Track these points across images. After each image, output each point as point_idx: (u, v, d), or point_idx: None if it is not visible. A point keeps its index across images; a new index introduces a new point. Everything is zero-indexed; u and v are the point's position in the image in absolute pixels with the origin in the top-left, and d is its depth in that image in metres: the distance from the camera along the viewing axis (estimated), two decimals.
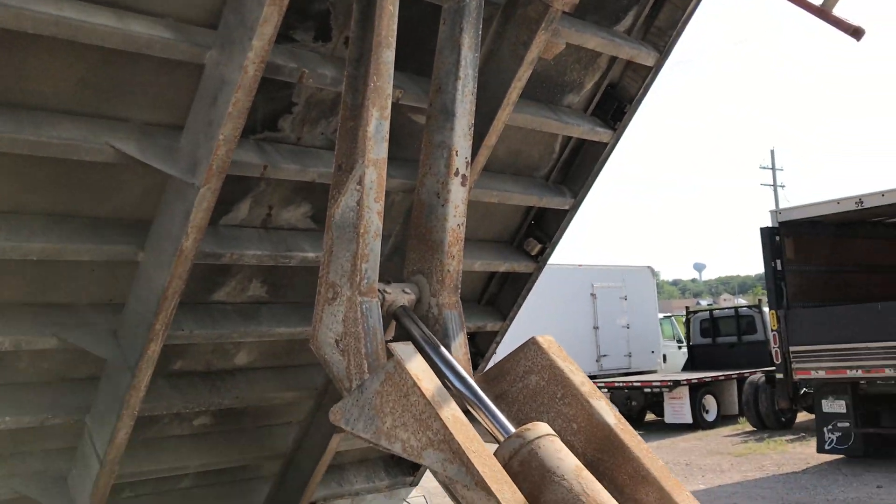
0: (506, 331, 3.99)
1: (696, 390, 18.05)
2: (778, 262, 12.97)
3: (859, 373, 11.85)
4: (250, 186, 2.88)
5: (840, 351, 11.99)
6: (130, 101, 2.46)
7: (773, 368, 13.30)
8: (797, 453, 13.73)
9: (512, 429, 2.16)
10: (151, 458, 3.33)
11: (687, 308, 23.94)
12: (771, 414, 16.81)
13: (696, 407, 18.07)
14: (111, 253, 2.66)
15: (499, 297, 3.91)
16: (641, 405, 18.82)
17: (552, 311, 18.03)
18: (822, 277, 13.33)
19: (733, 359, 19.53)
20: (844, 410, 11.98)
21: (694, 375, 18.13)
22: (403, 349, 2.16)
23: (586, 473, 2.04)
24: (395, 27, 2.42)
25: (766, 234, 13.22)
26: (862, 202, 12.24)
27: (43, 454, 3.07)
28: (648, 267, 21.89)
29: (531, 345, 2.41)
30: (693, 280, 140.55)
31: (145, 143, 2.44)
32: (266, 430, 3.69)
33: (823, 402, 12.13)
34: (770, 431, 16.49)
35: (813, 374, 12.26)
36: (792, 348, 12.53)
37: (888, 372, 11.56)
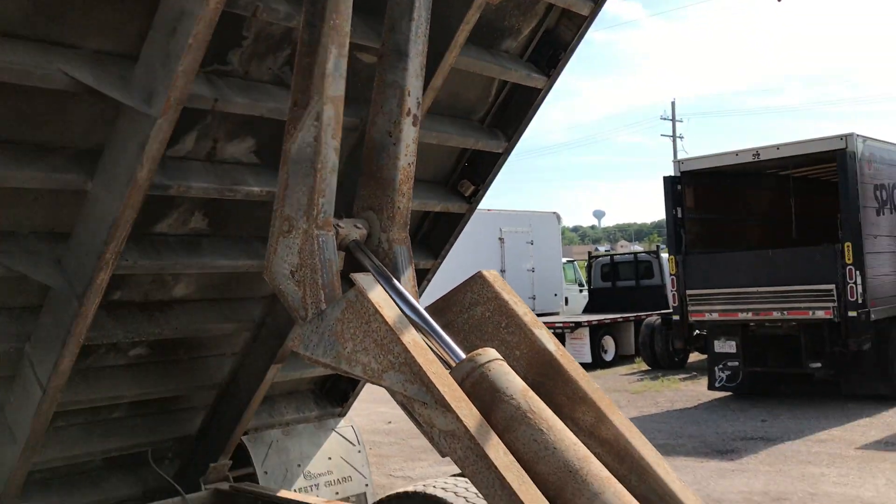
0: (437, 269, 4.13)
1: (596, 331, 18.82)
2: (678, 209, 13.55)
3: (749, 315, 12.61)
4: (197, 119, 2.89)
5: (732, 295, 12.71)
6: (83, 29, 2.43)
7: (670, 311, 13.98)
8: (689, 391, 14.56)
9: (462, 354, 2.31)
10: (88, 387, 3.34)
11: (589, 253, 24.74)
12: (665, 354, 17.70)
13: (596, 347, 18.86)
14: (59, 182, 2.65)
15: (431, 236, 4.04)
16: None
17: (462, 254, 18.30)
18: (718, 225, 14.01)
19: (631, 302, 20.37)
20: (734, 350, 12.74)
21: (594, 317, 18.85)
22: (364, 279, 2.27)
23: (531, 394, 2.22)
24: None
25: (669, 182, 13.76)
26: (758, 154, 12.86)
27: None
28: (554, 213, 22.40)
29: (477, 278, 2.56)
30: (592, 227, 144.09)
31: (99, 71, 2.42)
32: (201, 362, 3.74)
33: (715, 342, 12.87)
34: (664, 371, 17.38)
35: (707, 317, 12.97)
36: (688, 292, 13.20)
37: (776, 315, 12.36)
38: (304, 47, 2.50)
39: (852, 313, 11.75)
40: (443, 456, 2.08)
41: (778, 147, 12.81)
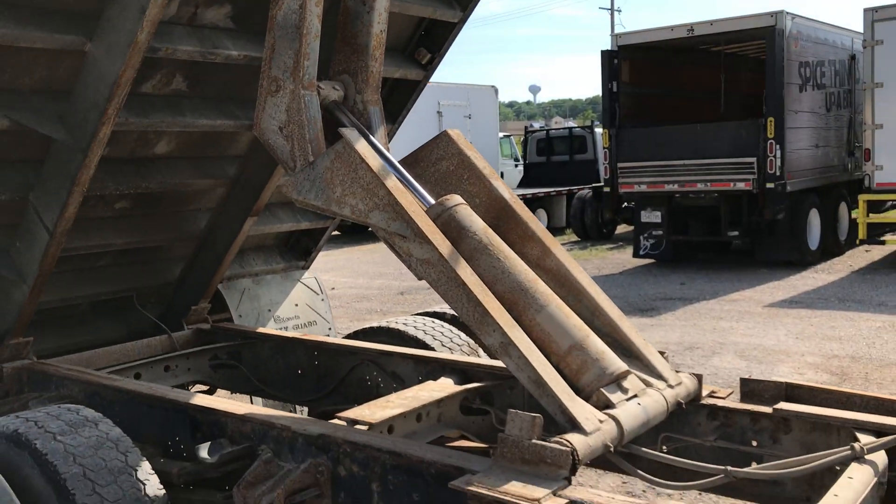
0: (393, 135, 4.47)
1: (530, 204, 19.42)
2: (614, 84, 13.94)
3: (675, 187, 13.31)
4: None
5: (660, 167, 13.35)
6: None
7: (601, 184, 14.60)
8: (616, 259, 15.42)
9: (432, 200, 2.72)
10: (80, 236, 3.65)
11: (526, 127, 25.08)
12: (594, 225, 18.52)
13: None
14: (59, 42, 2.88)
15: (390, 101, 4.35)
16: None
17: (402, 127, 18.53)
18: (652, 99, 14.48)
19: (564, 176, 20.99)
20: (659, 220, 13.49)
21: (528, 191, 19.45)
22: (351, 133, 2.63)
23: (490, 231, 2.66)
24: None
25: (606, 56, 14.07)
26: (692, 30, 13.23)
27: None
28: (492, 87, 22.52)
29: (443, 136, 2.94)
30: (528, 102, 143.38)
31: None
32: (181, 215, 4.07)
33: (642, 212, 13.59)
34: (593, 241, 18.24)
35: (635, 188, 13.62)
36: (619, 164, 13.79)
37: (700, 186, 13.07)
38: None
39: (770, 185, 12.53)
40: (419, 279, 2.52)
41: (711, 23, 13.19)
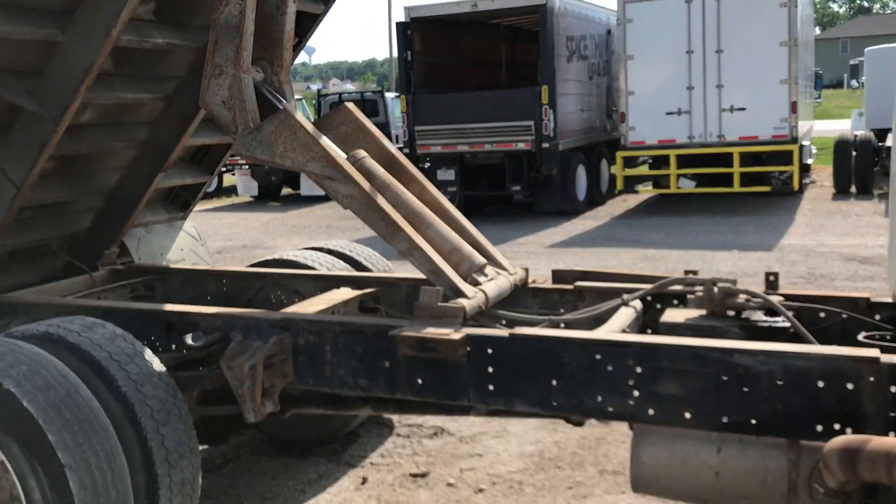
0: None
1: None
2: (408, 53, 15.25)
3: (466, 147, 14.93)
4: None
5: (453, 130, 14.90)
6: None
7: (401, 146, 15.92)
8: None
9: (343, 154, 3.82)
10: None
11: (318, 91, 25.83)
12: None
13: None
14: (36, 35, 3.64)
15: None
16: (280, 180, 20.71)
17: None
18: (442, 68, 15.97)
19: None
20: (453, 178, 15.07)
21: None
22: (289, 107, 3.67)
23: (388, 174, 3.81)
24: None
25: (400, 28, 15.35)
26: (476, 5, 14.79)
27: None
28: None
29: (343, 107, 4.03)
30: (303, 64, 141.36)
31: None
32: (96, 173, 4.82)
33: (438, 171, 15.09)
34: None
35: (432, 149, 15.10)
36: (416, 128, 15.19)
37: (487, 147, 14.77)
38: None
39: (545, 145, 14.45)
40: (344, 209, 3.63)
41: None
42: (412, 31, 15.22)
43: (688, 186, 15.62)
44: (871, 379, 2.68)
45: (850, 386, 2.71)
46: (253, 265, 5.03)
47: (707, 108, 14.39)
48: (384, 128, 21.90)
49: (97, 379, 3.24)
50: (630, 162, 15.55)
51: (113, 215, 5.04)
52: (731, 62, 14.05)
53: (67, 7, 3.69)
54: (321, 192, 20.28)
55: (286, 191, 21.65)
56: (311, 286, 4.58)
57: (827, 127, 25.17)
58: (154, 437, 3.24)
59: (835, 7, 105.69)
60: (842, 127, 21.49)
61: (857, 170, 15.66)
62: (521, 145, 14.53)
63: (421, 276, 3.66)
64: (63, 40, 3.73)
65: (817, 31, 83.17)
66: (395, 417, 5.24)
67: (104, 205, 5.02)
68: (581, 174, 15.59)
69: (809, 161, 17.39)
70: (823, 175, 18.01)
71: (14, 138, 3.95)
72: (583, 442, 4.82)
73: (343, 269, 4.97)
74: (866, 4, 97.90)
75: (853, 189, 15.89)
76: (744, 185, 14.38)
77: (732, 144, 14.25)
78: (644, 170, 16.40)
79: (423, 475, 4.51)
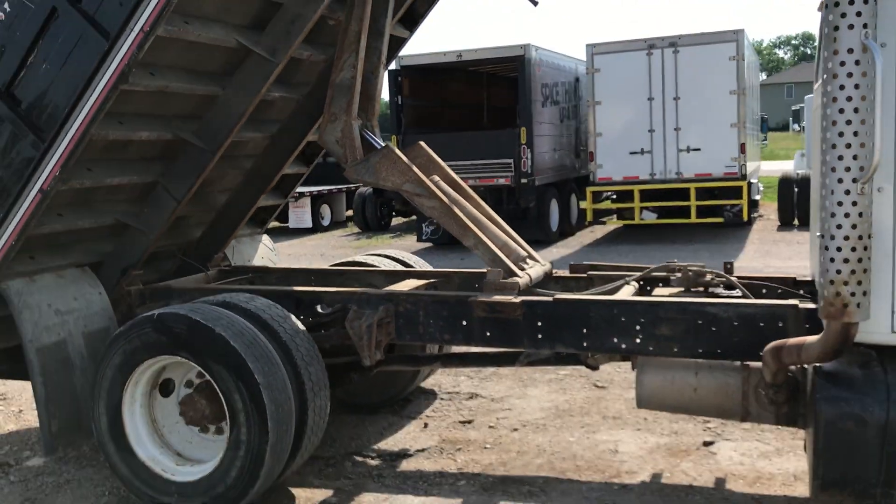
0: None
1: (316, 201, 21.83)
2: (399, 97, 16.84)
3: None
4: None
5: None
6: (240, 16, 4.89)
7: None
8: (400, 244, 18.31)
9: (427, 179, 5.28)
10: None
11: None
12: (374, 218, 21.33)
13: (315, 214, 21.92)
14: (205, 90, 5.07)
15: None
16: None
17: None
18: (429, 111, 17.58)
19: (340, 175, 23.56)
20: None
21: (314, 188, 21.82)
22: (390, 145, 5.14)
23: (455, 193, 5.30)
24: None
25: (391, 75, 16.93)
26: (461, 55, 16.47)
27: None
28: None
29: (418, 144, 5.52)
30: None
31: (251, 34, 4.91)
32: (208, 194, 6.20)
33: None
34: (373, 232, 21.04)
35: None
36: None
37: (471, 182, 16.22)
38: (343, 33, 5.17)
39: (524, 180, 16.05)
40: (427, 216, 5.10)
41: (476, 50, 16.52)
42: (402, 77, 16.82)
43: (650, 218, 17.31)
44: (794, 318, 4.20)
45: (780, 324, 4.23)
46: (333, 265, 6.45)
47: (666, 148, 16.12)
48: None
49: (265, 332, 4.63)
50: (598, 196, 17.20)
51: (220, 228, 6.42)
52: (687, 108, 15.84)
53: (227, 71, 5.13)
54: (308, 225, 21.80)
55: (273, 224, 22.94)
56: (382, 280, 6.01)
57: (774, 167, 27.27)
58: (304, 373, 4.63)
59: (780, 53, 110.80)
60: (786, 167, 23.51)
61: (800, 204, 17.50)
62: (502, 180, 16.10)
63: (465, 270, 5.14)
64: (222, 95, 5.17)
65: (763, 76, 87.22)
66: (437, 387, 6.66)
67: (213, 219, 6.40)
68: (554, 207, 17.20)
69: (757, 197, 19.25)
70: (770, 210, 19.90)
71: (178, 166, 5.35)
72: (587, 399, 6.29)
73: (394, 263, 6.43)
74: (809, 52, 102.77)
75: (796, 221, 17.73)
76: (699, 216, 16.11)
77: (689, 181, 15.99)
78: (608, 204, 18.07)
79: (469, 422, 5.94)
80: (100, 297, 5.31)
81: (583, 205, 18.03)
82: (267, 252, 7.16)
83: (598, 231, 18.49)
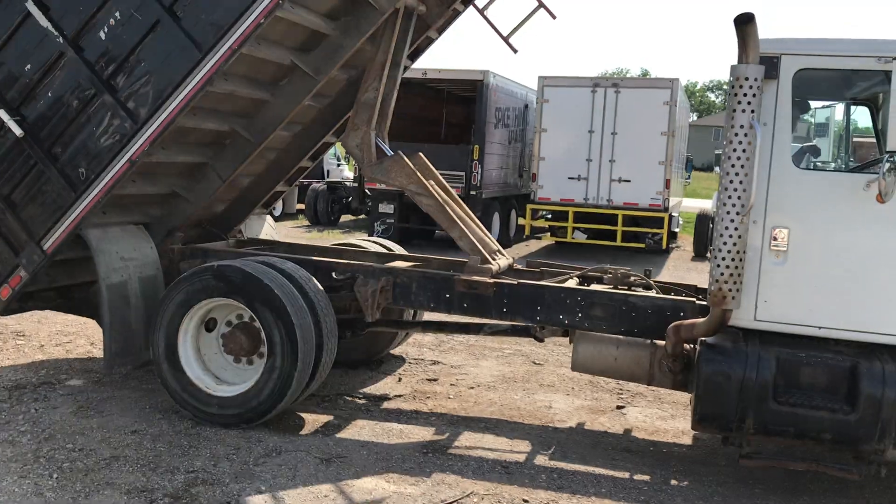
0: None
1: None
2: None
3: None
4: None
5: None
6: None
7: (337, 180, 18.56)
8: (348, 238, 19.62)
9: (426, 182, 6.74)
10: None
11: None
12: (325, 213, 22.59)
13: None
14: (255, 95, 6.43)
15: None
16: None
17: None
18: (393, 123, 18.93)
19: None
20: (392, 211, 17.98)
21: None
22: (399, 153, 6.57)
23: (444, 193, 6.77)
24: None
25: None
26: (426, 73, 17.94)
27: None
28: None
29: (419, 154, 6.98)
30: None
31: (303, 56, 6.30)
32: (236, 179, 7.50)
33: (380, 205, 17.97)
34: (323, 226, 22.29)
35: (378, 187, 17.98)
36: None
37: None
38: (371, 62, 6.60)
39: (472, 192, 17.59)
40: (425, 211, 6.55)
41: (440, 70, 18.03)
42: None
43: (580, 237, 19.07)
44: (691, 310, 5.79)
45: (681, 314, 5.82)
46: (333, 244, 7.83)
47: (601, 176, 17.89)
48: (319, 163, 24.64)
49: (296, 287, 6.00)
50: (535, 213, 18.89)
51: (241, 206, 7.74)
52: (622, 143, 17.65)
53: (277, 80, 6.50)
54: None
55: None
56: (374, 259, 7.42)
57: (694, 204, 29.50)
58: (323, 321, 6.02)
59: (712, 97, 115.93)
60: (705, 205, 25.68)
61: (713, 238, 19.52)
62: (453, 191, 17.58)
63: (441, 258, 6.63)
64: (271, 100, 6.54)
65: (694, 117, 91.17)
66: (405, 354, 8.10)
67: (236, 197, 7.71)
68: (496, 220, 18.79)
69: (676, 229, 21.24)
70: (686, 242, 21.93)
71: (226, 152, 6.68)
72: (528, 371, 7.83)
73: (384, 247, 7.86)
74: None
75: (709, 255, 19.76)
76: (624, 241, 17.93)
77: (617, 208, 17.80)
78: (545, 222, 19.76)
79: (434, 379, 7.40)
80: (151, 251, 6.58)
81: (521, 220, 19.68)
82: (269, 229, 8.49)
83: (533, 245, 20.16)
